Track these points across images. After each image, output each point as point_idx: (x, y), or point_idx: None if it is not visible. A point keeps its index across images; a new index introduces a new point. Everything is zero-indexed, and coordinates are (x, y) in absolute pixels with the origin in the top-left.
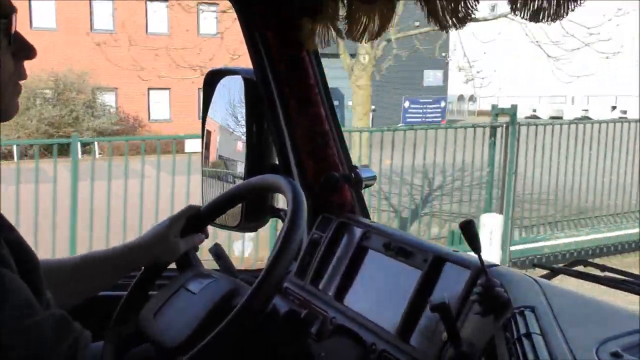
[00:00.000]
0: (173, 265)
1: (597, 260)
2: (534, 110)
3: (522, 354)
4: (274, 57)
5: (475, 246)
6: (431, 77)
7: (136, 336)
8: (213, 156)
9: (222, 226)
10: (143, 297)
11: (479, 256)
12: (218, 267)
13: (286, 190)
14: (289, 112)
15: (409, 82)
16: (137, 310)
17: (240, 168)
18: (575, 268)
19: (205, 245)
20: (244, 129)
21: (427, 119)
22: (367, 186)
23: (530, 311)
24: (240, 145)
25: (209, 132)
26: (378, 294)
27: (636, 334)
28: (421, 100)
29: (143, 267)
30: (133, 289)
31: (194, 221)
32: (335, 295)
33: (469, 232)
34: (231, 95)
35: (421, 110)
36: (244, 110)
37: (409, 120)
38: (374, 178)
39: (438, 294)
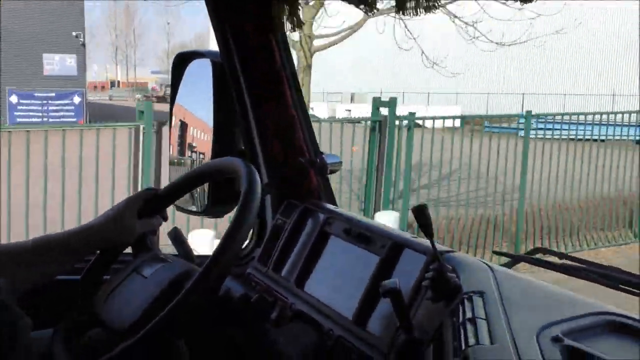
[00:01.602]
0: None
1: None
2: (311, 109)
3: (464, 338)
4: (240, 41)
5: (428, 231)
6: (56, 63)
7: (89, 321)
8: (180, 141)
9: (189, 211)
10: (98, 282)
11: (432, 241)
12: (177, 252)
13: (241, 173)
14: (255, 96)
15: (19, 68)
16: (91, 295)
17: (208, 153)
18: (535, 256)
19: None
20: (212, 114)
21: (52, 119)
22: (332, 172)
23: (479, 296)
24: (208, 130)
25: (176, 117)
26: (338, 280)
27: (579, 318)
28: (38, 95)
29: (99, 251)
30: (87, 273)
31: (151, 203)
32: (296, 282)
33: (422, 216)
34: (199, 79)
35: (40, 108)
36: (212, 95)
37: (20, 120)
38: (339, 164)
39: (394, 279)
